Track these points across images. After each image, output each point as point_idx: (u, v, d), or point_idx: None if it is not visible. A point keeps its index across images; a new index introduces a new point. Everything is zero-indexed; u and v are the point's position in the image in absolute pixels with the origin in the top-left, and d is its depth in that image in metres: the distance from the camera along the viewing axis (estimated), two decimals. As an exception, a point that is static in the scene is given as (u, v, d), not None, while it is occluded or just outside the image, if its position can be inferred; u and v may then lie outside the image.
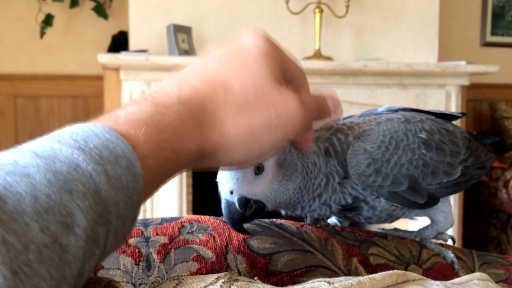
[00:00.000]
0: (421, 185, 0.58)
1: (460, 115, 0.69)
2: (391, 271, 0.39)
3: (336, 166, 0.57)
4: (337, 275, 0.56)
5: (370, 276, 0.37)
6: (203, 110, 0.41)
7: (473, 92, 3.52)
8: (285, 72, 0.47)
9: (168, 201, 2.34)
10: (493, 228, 3.23)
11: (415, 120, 0.61)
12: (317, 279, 0.39)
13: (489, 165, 0.67)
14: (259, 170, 0.53)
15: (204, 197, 2.51)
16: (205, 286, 0.37)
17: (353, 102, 2.57)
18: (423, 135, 0.60)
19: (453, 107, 2.71)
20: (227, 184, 0.53)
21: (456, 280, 0.45)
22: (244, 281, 0.38)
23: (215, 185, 0.58)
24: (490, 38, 3.85)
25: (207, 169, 0.46)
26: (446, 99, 2.72)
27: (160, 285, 0.41)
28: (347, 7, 2.67)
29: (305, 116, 0.45)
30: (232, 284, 0.37)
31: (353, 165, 0.56)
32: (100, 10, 2.91)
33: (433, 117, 0.65)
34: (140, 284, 0.50)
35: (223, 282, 0.37)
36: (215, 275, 0.39)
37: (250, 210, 0.55)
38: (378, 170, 0.56)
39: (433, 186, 0.59)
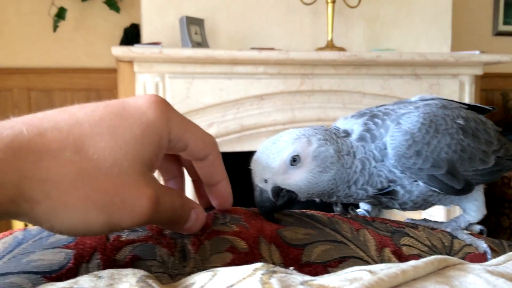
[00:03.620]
0: (459, 170, 0.58)
1: (490, 109, 0.69)
2: (432, 257, 0.38)
3: (373, 150, 0.57)
4: (371, 266, 0.56)
5: (413, 263, 0.36)
6: (35, 162, 0.35)
7: (485, 82, 3.49)
8: (177, 142, 0.44)
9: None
10: (506, 218, 3.22)
11: (452, 107, 0.61)
12: (357, 267, 0.38)
13: None
14: (294, 161, 0.53)
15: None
16: (243, 278, 0.37)
17: (366, 92, 2.57)
18: (460, 121, 0.60)
19: (467, 97, 2.70)
20: (262, 172, 0.54)
21: (494, 261, 0.44)
22: (282, 273, 0.37)
23: (244, 175, 0.59)
24: (502, 28, 3.82)
25: None
26: (459, 89, 2.70)
27: (195, 276, 0.41)
28: (360, -3, 2.66)
29: (151, 216, 0.40)
30: (272, 276, 0.36)
31: (394, 147, 0.56)
32: (112, 3, 2.91)
33: (466, 107, 0.65)
34: (176, 275, 0.50)
35: (262, 274, 0.37)
36: (253, 266, 0.38)
37: (282, 200, 0.56)
38: (419, 152, 0.56)
39: (470, 172, 0.60)
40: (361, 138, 0.57)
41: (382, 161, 0.57)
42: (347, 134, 0.59)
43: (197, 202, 0.57)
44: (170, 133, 0.43)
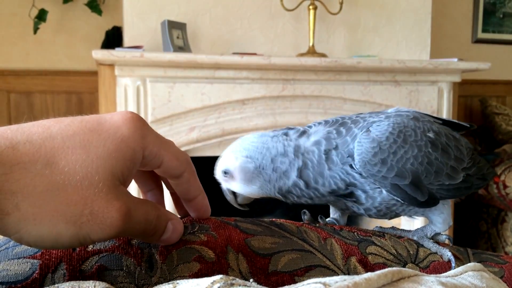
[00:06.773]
0: (423, 182, 0.59)
1: (468, 126, 0.70)
2: (386, 269, 0.39)
3: (334, 156, 0.60)
4: (336, 275, 0.57)
5: (366, 276, 0.36)
6: (6, 174, 0.35)
7: (464, 88, 3.55)
8: (151, 158, 0.45)
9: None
10: (484, 223, 3.27)
11: (424, 120, 0.62)
12: (312, 280, 0.38)
13: (490, 179, 0.68)
14: (226, 173, 0.62)
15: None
16: (200, 291, 0.37)
17: (347, 98, 2.59)
18: (431, 134, 0.61)
19: (445, 104, 2.74)
20: (218, 176, 0.64)
21: (451, 272, 0.45)
22: (239, 285, 0.37)
23: (215, 185, 0.63)
24: (481, 35, 3.88)
25: None
26: (438, 96, 2.74)
27: None
28: (341, 4, 2.68)
29: (122, 229, 0.41)
30: None
31: (360, 153, 0.57)
32: (94, 6, 2.89)
33: (440, 122, 0.66)
34: (143, 285, 0.51)
35: (219, 287, 0.37)
36: (211, 279, 0.39)
37: (241, 197, 0.65)
38: (384, 160, 0.57)
39: (435, 186, 0.60)
40: (317, 143, 0.60)
41: (342, 165, 0.59)
42: (303, 132, 0.62)
43: (176, 213, 0.58)
44: (144, 149, 0.43)
